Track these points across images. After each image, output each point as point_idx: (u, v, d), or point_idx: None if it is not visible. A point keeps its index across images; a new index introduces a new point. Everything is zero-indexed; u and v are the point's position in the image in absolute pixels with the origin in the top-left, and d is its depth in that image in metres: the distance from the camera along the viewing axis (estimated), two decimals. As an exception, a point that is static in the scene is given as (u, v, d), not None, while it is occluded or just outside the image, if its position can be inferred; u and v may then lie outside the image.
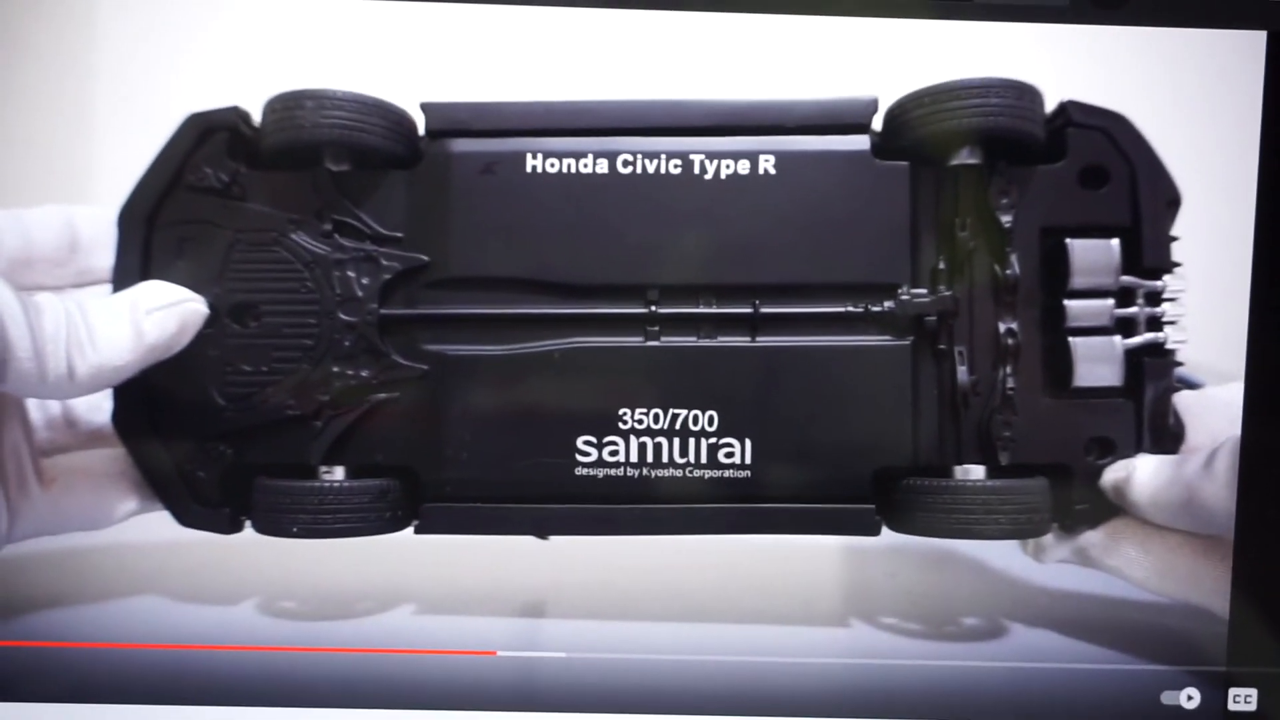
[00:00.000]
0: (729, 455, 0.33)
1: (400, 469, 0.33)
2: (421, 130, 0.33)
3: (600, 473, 0.33)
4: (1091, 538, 0.33)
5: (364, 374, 0.33)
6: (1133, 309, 0.33)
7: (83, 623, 0.34)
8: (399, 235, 0.33)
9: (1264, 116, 0.32)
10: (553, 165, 0.33)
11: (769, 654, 0.33)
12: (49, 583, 0.35)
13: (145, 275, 0.33)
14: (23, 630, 0.33)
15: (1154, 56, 0.33)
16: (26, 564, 0.34)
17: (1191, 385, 0.34)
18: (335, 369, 0.33)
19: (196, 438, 0.33)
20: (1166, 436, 0.33)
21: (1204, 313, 0.33)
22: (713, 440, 0.33)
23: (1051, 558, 0.34)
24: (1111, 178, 0.33)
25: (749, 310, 0.33)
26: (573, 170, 0.33)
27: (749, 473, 0.33)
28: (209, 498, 0.33)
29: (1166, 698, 0.33)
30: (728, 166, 0.33)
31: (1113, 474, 0.33)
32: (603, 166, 0.33)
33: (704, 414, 0.33)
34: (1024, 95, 0.32)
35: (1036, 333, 0.33)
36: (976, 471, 0.33)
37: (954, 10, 0.32)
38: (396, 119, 0.33)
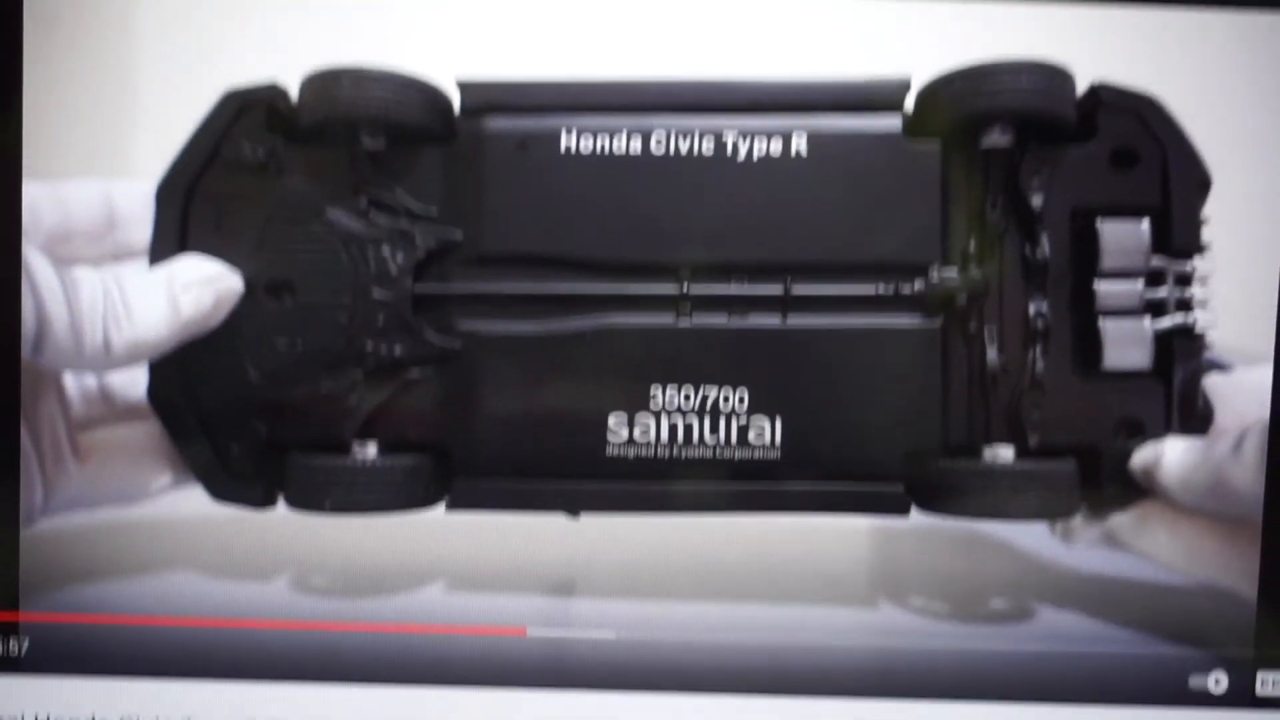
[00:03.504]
0: (759, 435, 0.33)
1: (432, 446, 0.33)
2: (457, 108, 0.33)
3: (630, 451, 0.33)
4: (1120, 519, 0.33)
5: (397, 351, 0.33)
6: (1162, 291, 0.33)
7: (116, 597, 0.34)
8: (434, 212, 0.33)
9: (1295, 100, 0.32)
10: (586, 143, 0.33)
11: (797, 634, 0.34)
12: (83, 557, 0.35)
13: (182, 250, 0.33)
14: (56, 604, 0.33)
15: (1186, 38, 0.33)
16: (61, 538, 0.34)
17: (1221, 367, 0.34)
18: (369, 346, 0.33)
19: (231, 413, 0.33)
20: (1195, 419, 0.33)
21: (1234, 295, 0.33)
22: (743, 420, 0.33)
23: (1080, 539, 0.34)
24: (1142, 159, 0.33)
25: (780, 290, 0.33)
26: (606, 148, 0.33)
27: (778, 453, 0.33)
28: (243, 473, 0.34)
29: (1194, 681, 0.33)
30: (760, 146, 0.33)
31: (1141, 456, 0.33)
32: (636, 145, 0.33)
33: (734, 393, 0.33)
34: (1055, 77, 0.32)
35: (1066, 314, 0.33)
36: (1006, 452, 0.33)
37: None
38: (432, 96, 0.33)
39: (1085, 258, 0.33)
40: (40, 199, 0.32)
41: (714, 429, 0.33)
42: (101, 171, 0.34)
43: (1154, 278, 0.33)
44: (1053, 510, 0.33)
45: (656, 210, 0.33)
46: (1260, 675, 0.33)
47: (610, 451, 0.33)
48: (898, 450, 0.33)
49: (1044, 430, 0.33)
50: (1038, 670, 0.33)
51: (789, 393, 0.33)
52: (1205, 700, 0.33)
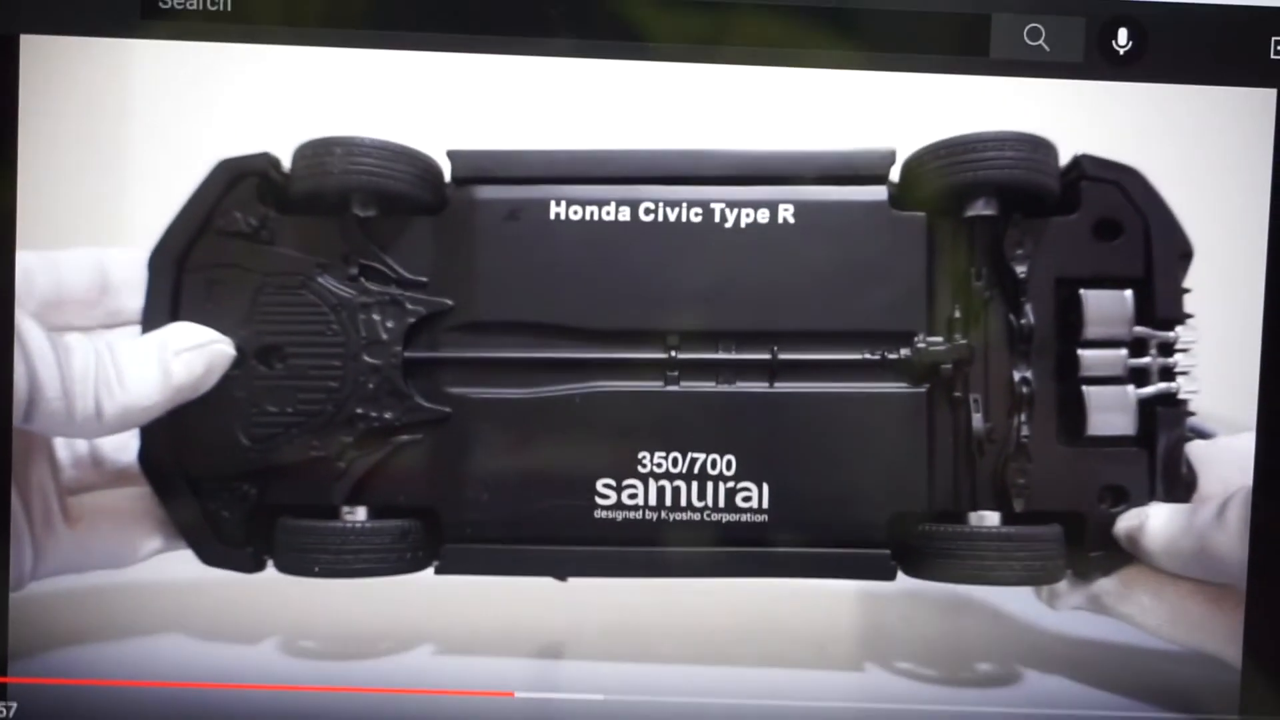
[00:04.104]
0: (746, 499, 0.33)
1: (422, 510, 0.34)
2: (448, 177, 0.34)
3: (619, 515, 0.33)
4: (1105, 585, 0.34)
5: (387, 416, 0.33)
6: (1146, 359, 0.33)
7: (105, 660, 0.34)
8: (424, 280, 0.34)
9: (1274, 172, 0.33)
10: (576, 212, 0.33)
11: (784, 697, 0.34)
12: (72, 620, 0.35)
13: (174, 317, 0.33)
14: (45, 668, 0.33)
15: (1167, 113, 0.34)
16: (50, 601, 0.34)
17: (1204, 435, 0.34)
18: (359, 411, 0.33)
19: (221, 478, 0.33)
20: (1179, 485, 0.33)
21: (1216, 363, 0.33)
22: (730, 484, 0.33)
23: (1065, 604, 0.34)
24: (1125, 230, 0.33)
25: (767, 357, 0.33)
26: (595, 217, 0.33)
27: (766, 517, 0.33)
28: (232, 537, 0.34)
29: (1179, 745, 0.33)
30: (747, 215, 0.33)
31: (1126, 522, 0.33)
32: (625, 214, 0.33)
33: (722, 458, 0.33)
34: (1039, 149, 0.33)
35: (1051, 381, 0.34)
36: (991, 518, 0.33)
37: (970, 65, 0.33)
38: (423, 166, 0.33)
39: (1069, 326, 0.33)
40: (33, 266, 0.33)
41: (702, 493, 0.33)
42: (95, 240, 0.34)
43: (1137, 346, 0.33)
44: (1038, 575, 0.33)
45: (645, 277, 0.33)
46: (1245, 740, 0.33)
47: (599, 515, 0.33)
48: (884, 515, 0.33)
49: (1029, 496, 0.33)
50: (1023, 736, 0.33)
51: (776, 457, 0.33)
52: (1190, 765, 0.33)
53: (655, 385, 0.33)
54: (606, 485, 0.33)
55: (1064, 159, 0.33)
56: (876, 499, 0.33)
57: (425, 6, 0.32)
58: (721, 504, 0.33)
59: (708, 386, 0.34)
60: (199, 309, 0.33)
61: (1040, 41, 0.32)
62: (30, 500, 0.32)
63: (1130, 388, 0.33)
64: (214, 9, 0.31)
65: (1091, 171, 0.33)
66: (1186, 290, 0.33)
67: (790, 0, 0.32)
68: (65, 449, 0.34)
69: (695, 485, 0.33)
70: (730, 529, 0.33)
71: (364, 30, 0.32)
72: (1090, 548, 0.33)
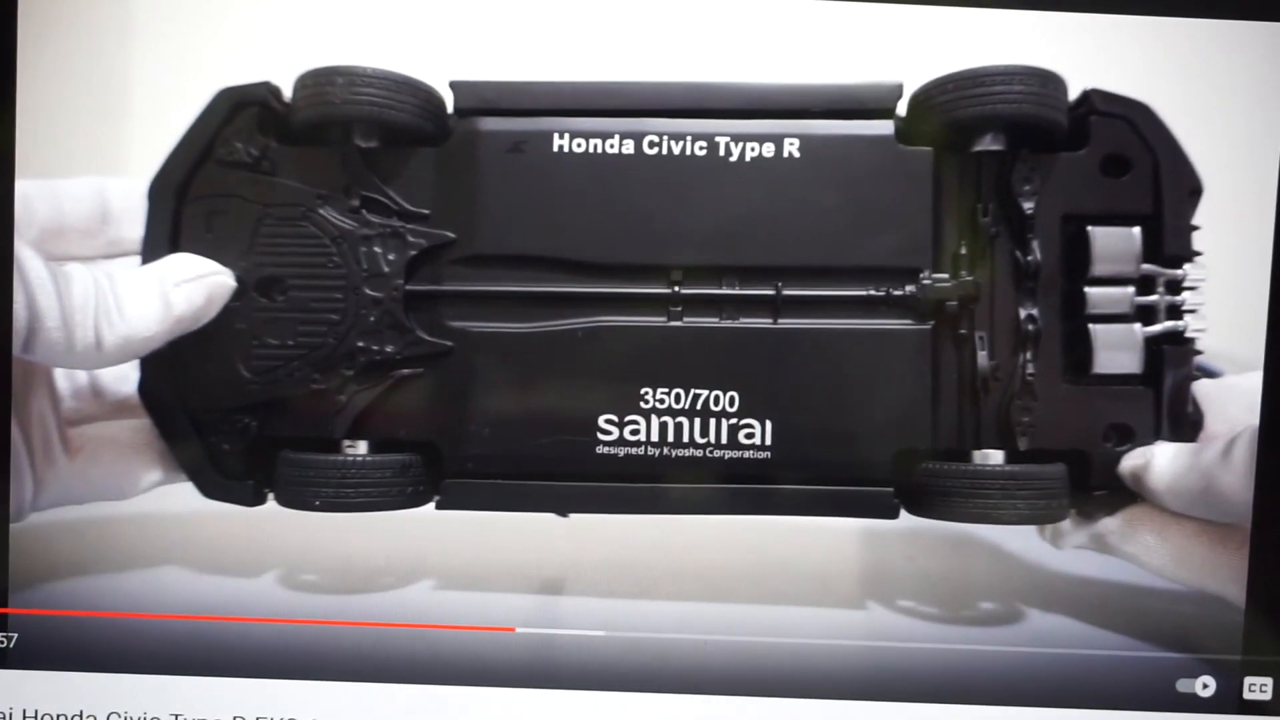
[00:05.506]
0: (749, 436, 0.33)
1: (423, 444, 0.33)
2: (450, 108, 0.34)
3: (621, 451, 0.33)
4: (1109, 524, 0.33)
5: (388, 349, 0.33)
6: (1153, 297, 0.33)
7: (105, 592, 0.34)
8: (426, 212, 0.33)
9: (1286, 107, 0.32)
10: (579, 145, 0.33)
11: (785, 635, 0.34)
12: (72, 552, 0.35)
13: (174, 248, 0.33)
14: (45, 599, 0.33)
15: (1177, 46, 0.33)
16: (51, 533, 0.34)
17: (1210, 373, 0.34)
18: (360, 344, 0.33)
19: (221, 410, 0.33)
20: (1185, 424, 0.33)
21: (1224, 301, 0.33)
22: (733, 421, 0.33)
23: (1069, 544, 0.34)
24: (1134, 166, 0.33)
25: (771, 292, 0.33)
26: (599, 150, 0.33)
27: (769, 454, 0.33)
28: (233, 470, 0.34)
29: (1182, 685, 0.33)
30: (752, 149, 0.33)
31: (1131, 461, 0.33)
32: (629, 147, 0.33)
33: (725, 394, 0.33)
34: (1047, 83, 0.32)
35: (1057, 319, 0.33)
36: (995, 456, 0.33)
37: (979, -2, 0.33)
38: (426, 97, 0.33)
39: (1076, 263, 0.33)
40: (33, 194, 0.32)
41: (704, 430, 0.33)
42: (96, 169, 0.34)
43: (1144, 284, 0.33)
44: (1042, 514, 0.33)
45: (649, 211, 0.33)
46: (1248, 680, 0.33)
47: (601, 451, 0.33)
48: (887, 453, 0.33)
49: (1034, 434, 0.33)
50: (1025, 673, 0.33)
51: (779, 394, 0.33)
52: (1192, 705, 0.33)
53: (658, 320, 0.33)
54: (609, 421, 0.33)
55: (1073, 93, 0.33)
56: (880, 437, 0.33)
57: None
58: (724, 441, 0.33)
59: (711, 322, 0.33)
60: (199, 240, 0.33)
61: (1050, -27, 0.32)
62: (30, 431, 0.32)
63: (1137, 326, 0.33)
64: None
65: (1101, 106, 0.33)
66: (1195, 227, 0.33)
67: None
68: (65, 380, 0.34)
69: (698, 421, 0.33)
70: (733, 466, 0.33)
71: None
72: (1095, 486, 0.33)
